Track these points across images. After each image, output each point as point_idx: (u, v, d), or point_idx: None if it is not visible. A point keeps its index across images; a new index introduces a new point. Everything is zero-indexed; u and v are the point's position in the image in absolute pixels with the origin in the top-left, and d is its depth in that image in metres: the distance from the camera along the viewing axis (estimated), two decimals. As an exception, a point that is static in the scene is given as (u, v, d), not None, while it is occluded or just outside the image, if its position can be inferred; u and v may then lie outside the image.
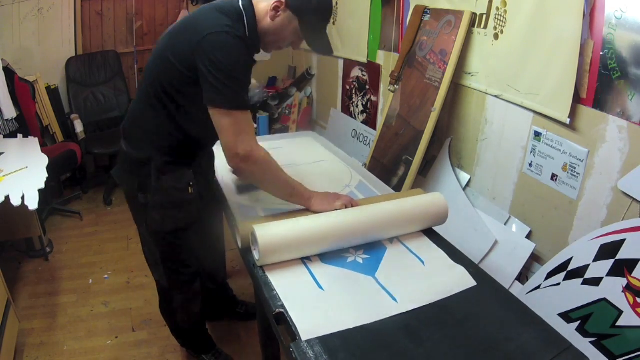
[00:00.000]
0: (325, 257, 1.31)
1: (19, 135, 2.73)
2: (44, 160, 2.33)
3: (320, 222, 1.31)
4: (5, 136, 2.71)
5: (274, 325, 1.09)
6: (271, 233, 1.23)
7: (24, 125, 2.92)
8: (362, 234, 1.34)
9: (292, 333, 1.02)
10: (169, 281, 1.64)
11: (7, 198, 1.90)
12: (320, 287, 1.19)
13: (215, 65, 1.19)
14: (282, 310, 1.08)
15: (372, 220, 1.35)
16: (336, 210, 1.38)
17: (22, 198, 1.91)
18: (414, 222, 1.42)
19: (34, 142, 2.60)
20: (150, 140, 1.42)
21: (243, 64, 1.26)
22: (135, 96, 1.54)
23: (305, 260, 1.30)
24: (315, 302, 1.13)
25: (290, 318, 1.06)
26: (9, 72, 2.88)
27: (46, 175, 2.16)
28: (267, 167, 1.33)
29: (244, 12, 1.30)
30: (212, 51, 1.20)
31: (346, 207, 1.40)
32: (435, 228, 1.50)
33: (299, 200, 1.42)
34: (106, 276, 2.55)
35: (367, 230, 1.34)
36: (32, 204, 1.90)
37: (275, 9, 1.30)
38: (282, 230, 1.25)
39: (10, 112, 2.76)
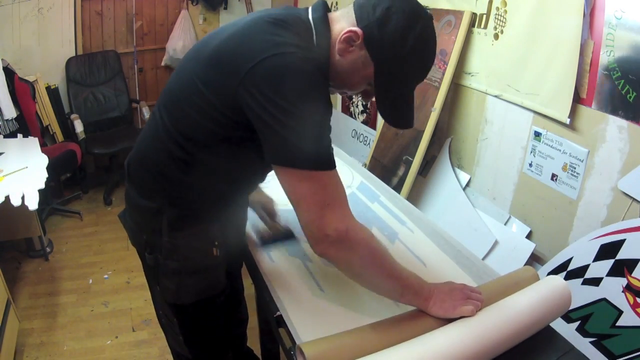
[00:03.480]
0: (326, 257, 1.31)
1: (19, 135, 2.72)
2: (44, 160, 2.33)
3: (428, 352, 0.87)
4: (5, 136, 2.71)
5: (275, 328, 1.09)
6: None
7: (24, 125, 2.92)
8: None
9: (292, 335, 1.02)
10: (193, 355, 1.26)
11: (7, 198, 1.90)
12: (321, 288, 1.19)
13: (280, 105, 0.81)
14: (283, 313, 1.08)
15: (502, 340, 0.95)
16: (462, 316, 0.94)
17: (22, 198, 1.91)
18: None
19: (34, 142, 2.60)
20: (162, 188, 1.03)
21: (324, 100, 0.87)
22: (146, 124, 1.11)
23: (305, 261, 1.30)
24: (316, 304, 1.13)
25: (291, 320, 1.06)
26: (9, 72, 2.88)
27: (46, 175, 2.16)
28: (368, 253, 0.90)
29: (313, 28, 0.90)
30: (274, 83, 0.81)
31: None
32: (435, 228, 1.50)
33: (412, 300, 0.96)
34: (106, 276, 2.55)
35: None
36: (32, 204, 1.90)
37: (347, 40, 0.88)
38: None
39: (10, 112, 2.75)
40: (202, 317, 1.19)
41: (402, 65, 0.89)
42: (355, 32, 0.87)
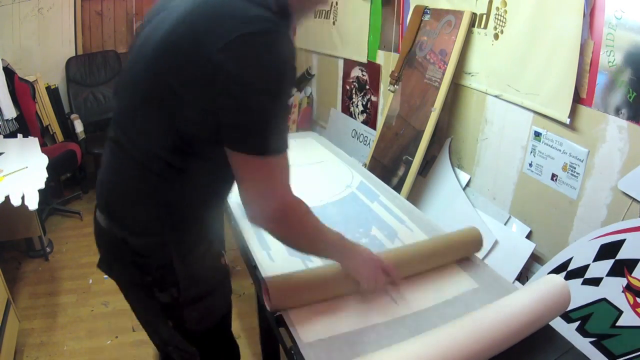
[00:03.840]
0: (326, 257, 1.31)
1: (19, 135, 2.73)
2: (44, 160, 2.33)
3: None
4: (5, 136, 2.71)
5: (275, 327, 1.09)
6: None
7: (24, 125, 2.93)
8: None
9: (293, 335, 1.02)
10: None
11: (7, 198, 1.90)
12: (320, 287, 1.19)
13: (255, 87, 0.75)
14: (283, 312, 1.08)
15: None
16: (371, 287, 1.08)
17: (22, 198, 1.91)
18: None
19: (34, 142, 2.60)
20: (161, 216, 0.95)
21: (292, 79, 0.83)
22: (106, 164, 1.00)
23: (305, 261, 1.30)
24: (316, 304, 1.13)
25: (291, 320, 1.06)
26: (9, 72, 2.88)
27: (46, 175, 2.16)
28: (303, 227, 0.97)
29: None
30: (253, 65, 0.75)
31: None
32: (435, 227, 1.50)
33: (335, 259, 1.06)
34: (106, 276, 2.54)
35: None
36: (32, 204, 1.90)
37: None
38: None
39: (10, 112, 2.76)
40: (223, 333, 1.18)
41: None
42: None
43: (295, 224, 0.94)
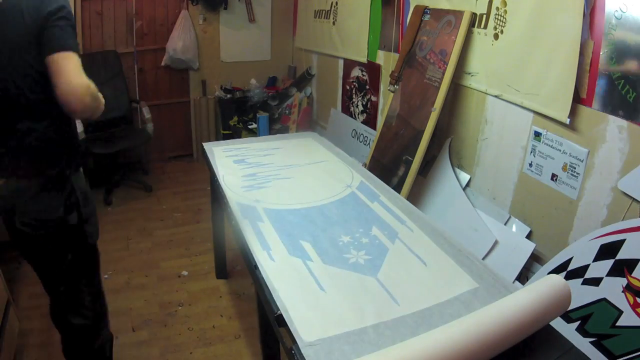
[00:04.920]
0: (327, 257, 1.32)
1: (19, 135, 2.72)
2: (44, 160, 2.33)
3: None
4: (5, 136, 2.71)
5: (275, 327, 1.09)
6: None
7: (23, 125, 2.92)
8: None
9: (293, 335, 1.02)
10: (102, 308, 1.65)
11: (7, 198, 1.90)
12: (321, 288, 1.19)
13: (64, 13, 1.22)
14: (283, 312, 1.08)
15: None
16: None
17: (22, 198, 1.91)
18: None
19: (34, 142, 2.60)
20: (58, 145, 1.32)
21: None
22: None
23: (306, 260, 1.30)
24: (317, 304, 1.13)
25: (292, 320, 1.06)
26: (9, 72, 2.88)
27: (46, 175, 2.16)
28: (100, 97, 1.27)
29: None
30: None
31: None
32: (435, 227, 1.50)
33: None
34: (106, 276, 2.54)
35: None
36: (32, 204, 1.90)
37: None
38: None
39: (10, 112, 2.76)
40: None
41: None
42: None
43: (93, 92, 1.21)
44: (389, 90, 2.54)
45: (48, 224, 1.31)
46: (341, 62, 3.34)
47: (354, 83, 3.20)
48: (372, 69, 2.95)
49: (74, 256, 1.40)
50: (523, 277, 1.88)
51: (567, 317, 1.55)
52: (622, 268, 1.41)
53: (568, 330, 1.52)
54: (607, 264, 1.46)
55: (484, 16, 1.97)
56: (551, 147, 1.76)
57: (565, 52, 1.60)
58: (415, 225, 1.51)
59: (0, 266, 1.93)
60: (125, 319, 2.22)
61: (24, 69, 1.21)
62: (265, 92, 3.95)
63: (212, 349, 2.00)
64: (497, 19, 1.90)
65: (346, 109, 3.36)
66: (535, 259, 1.87)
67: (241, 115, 3.93)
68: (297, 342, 0.99)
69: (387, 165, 2.45)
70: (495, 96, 1.98)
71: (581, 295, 1.51)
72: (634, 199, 1.46)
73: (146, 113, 3.51)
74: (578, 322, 1.52)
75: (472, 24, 2.04)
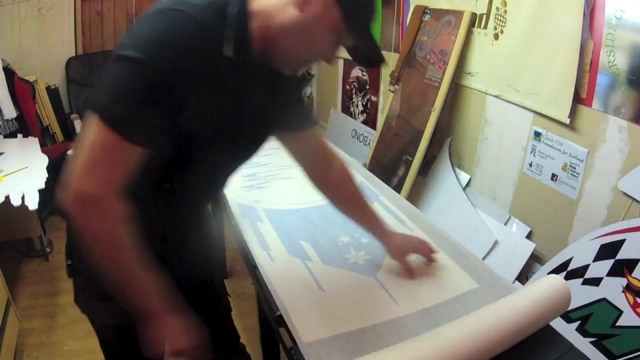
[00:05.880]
0: (326, 257, 1.31)
1: (19, 135, 2.73)
2: (44, 160, 2.33)
3: None
4: (5, 136, 2.71)
5: (275, 327, 1.09)
6: None
7: (24, 125, 2.92)
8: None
9: (293, 335, 1.02)
10: None
11: (7, 198, 1.90)
12: (321, 288, 1.19)
13: (119, 49, 0.73)
14: (283, 312, 1.08)
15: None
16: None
17: (22, 198, 1.91)
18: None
19: (34, 142, 2.60)
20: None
21: (164, 52, 0.71)
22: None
23: (306, 261, 1.30)
24: (316, 304, 1.13)
25: (291, 320, 1.06)
26: (9, 72, 2.88)
27: (46, 175, 2.16)
28: (108, 231, 0.77)
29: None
30: (133, 31, 0.75)
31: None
32: (434, 228, 1.50)
33: (136, 307, 0.84)
34: (106, 276, 2.55)
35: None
36: (32, 204, 1.90)
37: None
38: None
39: (10, 112, 2.76)
40: None
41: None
42: None
43: (103, 218, 0.76)
44: (389, 90, 2.54)
45: None
46: (341, 62, 3.33)
47: (354, 83, 3.20)
48: (372, 69, 2.95)
49: None
50: (523, 277, 1.88)
51: (567, 317, 1.54)
52: (622, 268, 1.41)
53: (568, 330, 1.52)
54: (607, 264, 1.46)
55: (484, 16, 1.97)
56: (551, 147, 1.76)
57: (565, 52, 1.60)
58: (415, 225, 1.51)
59: (0, 266, 1.93)
60: (125, 319, 2.22)
61: None
62: (265, 92, 3.95)
63: (212, 349, 2.00)
64: (497, 19, 1.90)
65: (346, 109, 3.36)
66: (535, 259, 1.87)
67: (241, 115, 3.92)
68: (297, 342, 0.99)
69: (387, 165, 2.44)
70: (495, 96, 1.98)
71: (581, 295, 1.51)
72: (634, 199, 1.46)
73: (146, 113, 3.50)
74: (578, 322, 1.52)
75: (472, 24, 2.04)
